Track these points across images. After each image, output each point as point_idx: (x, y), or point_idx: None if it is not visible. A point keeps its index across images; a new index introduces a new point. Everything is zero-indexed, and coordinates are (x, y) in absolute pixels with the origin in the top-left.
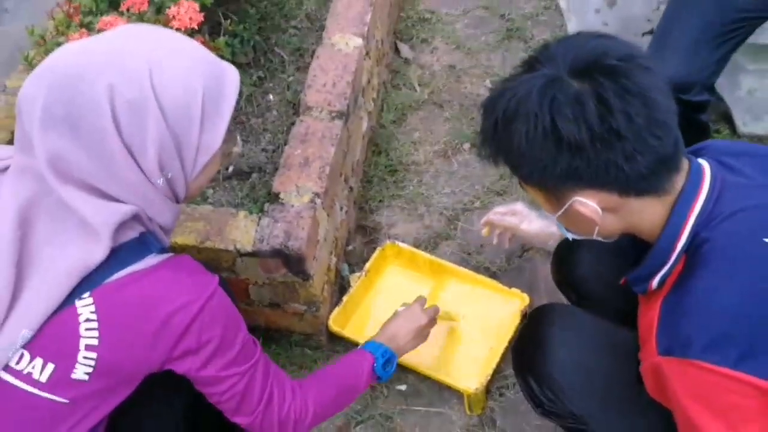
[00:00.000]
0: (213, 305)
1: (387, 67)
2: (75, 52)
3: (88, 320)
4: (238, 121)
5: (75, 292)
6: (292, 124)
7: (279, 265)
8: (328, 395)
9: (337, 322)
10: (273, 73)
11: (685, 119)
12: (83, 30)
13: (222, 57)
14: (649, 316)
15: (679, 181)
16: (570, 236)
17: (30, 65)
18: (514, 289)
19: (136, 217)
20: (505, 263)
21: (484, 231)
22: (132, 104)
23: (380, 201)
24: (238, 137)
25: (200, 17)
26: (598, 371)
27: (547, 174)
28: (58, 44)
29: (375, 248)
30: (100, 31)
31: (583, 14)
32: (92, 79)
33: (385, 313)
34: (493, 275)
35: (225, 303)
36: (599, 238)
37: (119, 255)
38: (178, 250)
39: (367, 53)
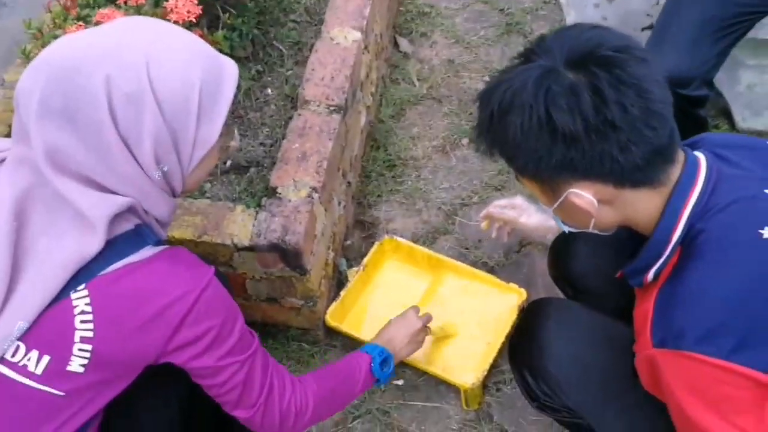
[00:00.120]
0: (209, 296)
1: (386, 61)
2: (72, 44)
3: (83, 312)
4: (236, 115)
5: (70, 284)
6: (290, 118)
7: (276, 259)
8: (327, 392)
9: (334, 317)
10: (271, 67)
11: (684, 114)
12: (80, 23)
13: (220, 51)
14: (644, 309)
15: (675, 172)
16: (566, 229)
17: (27, 59)
18: (511, 284)
19: (132, 210)
20: (503, 258)
21: (483, 224)
22: (129, 97)
23: (378, 196)
24: (236, 131)
25: (198, 10)
26: (594, 365)
27: (543, 165)
28: (55, 37)
29: (373, 243)
30: (97, 23)
31: (582, 8)
32: (89, 71)
33: (383, 307)
34: (491, 270)
35: (221, 293)
36: (596, 231)
37: (115, 247)
38: (175, 244)
39: (366, 47)
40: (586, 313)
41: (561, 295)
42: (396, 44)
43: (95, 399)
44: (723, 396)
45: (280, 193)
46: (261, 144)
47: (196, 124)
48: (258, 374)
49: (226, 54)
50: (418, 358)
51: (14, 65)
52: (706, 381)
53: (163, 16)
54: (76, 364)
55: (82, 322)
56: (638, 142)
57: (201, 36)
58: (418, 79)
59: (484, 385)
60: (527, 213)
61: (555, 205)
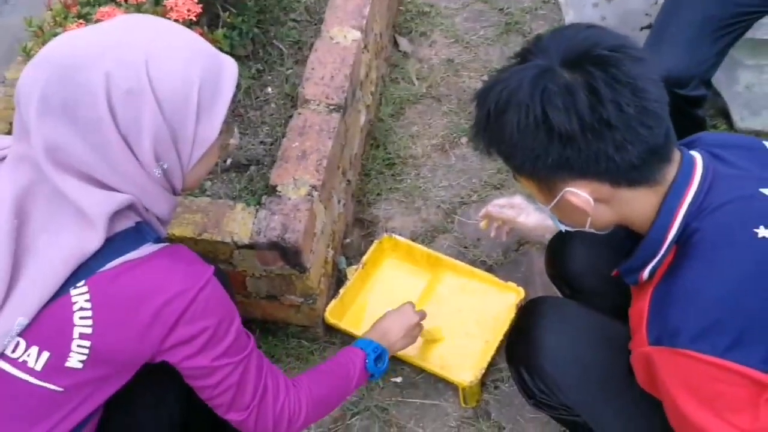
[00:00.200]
0: (206, 295)
1: (386, 60)
2: (73, 42)
3: (82, 309)
4: (236, 113)
5: (70, 281)
6: (290, 116)
7: (276, 257)
8: (321, 393)
9: (333, 315)
10: (271, 65)
11: (682, 114)
12: (81, 21)
13: (220, 49)
14: (640, 307)
15: (671, 171)
16: (563, 228)
17: (28, 57)
18: (510, 283)
19: (132, 207)
20: (501, 257)
21: (482, 223)
22: (128, 94)
23: (378, 194)
24: (236, 129)
25: (198, 9)
26: (591, 363)
27: (539, 164)
28: (56, 35)
29: (372, 241)
30: (97, 21)
31: (581, 8)
32: (89, 68)
33: (382, 305)
34: (489, 269)
35: (219, 293)
36: (592, 230)
37: (115, 244)
38: (175, 241)
39: (366, 46)
40: (582, 311)
41: (559, 294)
42: (396, 43)
43: (94, 395)
44: (718, 393)
45: (280, 192)
46: (261, 142)
47: (195, 122)
48: (252, 376)
49: (226, 53)
50: (417, 355)
51: (15, 63)
52: (701, 379)
53: (164, 15)
54: (74, 360)
55: (81, 318)
56: (634, 141)
57: (201, 34)
58: (418, 78)
59: (482, 382)
60: (526, 212)
61: (552, 204)
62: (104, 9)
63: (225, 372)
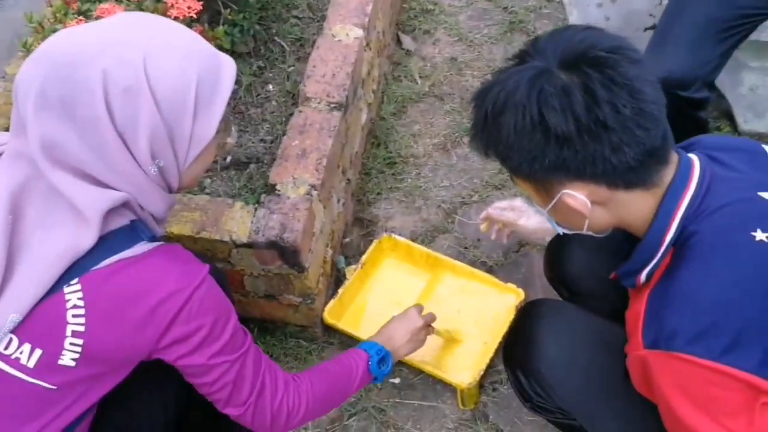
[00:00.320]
0: (201, 294)
1: (388, 58)
2: (71, 38)
3: (75, 306)
4: (236, 111)
5: (64, 278)
6: (291, 114)
7: (274, 256)
8: (321, 390)
9: (332, 315)
10: (273, 63)
11: (684, 116)
12: (80, 18)
13: (221, 46)
14: (636, 310)
15: (668, 174)
16: (561, 231)
17: (28, 52)
18: (509, 284)
19: (127, 205)
20: (501, 258)
21: (483, 226)
22: (125, 92)
23: (378, 193)
24: (233, 128)
25: (199, 6)
26: (587, 367)
27: (536, 166)
28: (56, 31)
29: (372, 241)
30: (97, 18)
31: (585, 8)
32: (87, 65)
33: (381, 306)
34: (489, 270)
35: (214, 292)
36: (590, 233)
37: (109, 241)
38: (173, 239)
39: (368, 44)
40: (580, 314)
41: (558, 296)
42: (399, 41)
43: (88, 393)
44: (713, 397)
45: (279, 190)
46: (261, 140)
47: (192, 121)
48: (249, 373)
49: (227, 50)
50: (416, 356)
51: (16, 58)
52: (697, 382)
53: (164, 12)
54: (67, 358)
55: (74, 316)
56: (630, 143)
57: (201, 32)
58: (421, 77)
59: (481, 384)
60: (526, 215)
61: (549, 207)
62: (104, 6)
63: (221, 370)
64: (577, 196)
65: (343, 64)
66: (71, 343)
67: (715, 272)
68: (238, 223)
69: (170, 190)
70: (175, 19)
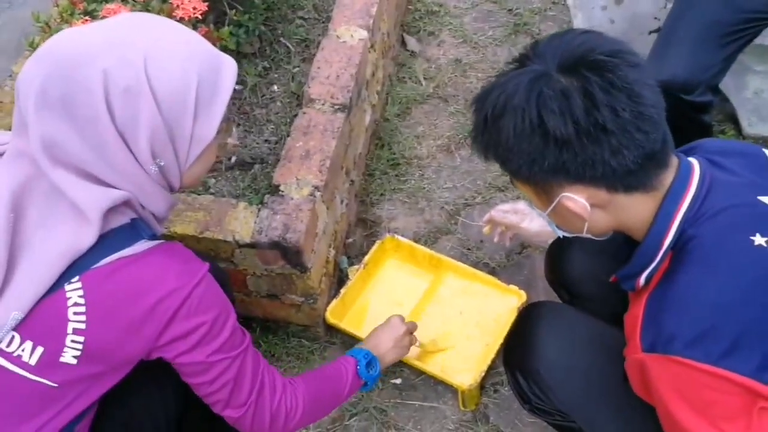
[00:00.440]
0: (201, 292)
1: (393, 59)
2: (74, 38)
3: (76, 304)
4: (241, 111)
5: (65, 276)
6: (296, 115)
7: (277, 257)
8: (316, 394)
9: (334, 315)
10: (278, 63)
11: (688, 120)
12: (86, 18)
13: (226, 47)
14: (635, 313)
15: (668, 177)
16: (561, 234)
17: (35, 51)
18: (511, 286)
19: (128, 204)
20: (504, 259)
21: (486, 229)
22: (126, 91)
23: (381, 194)
24: (234, 129)
25: (204, 7)
26: (587, 369)
27: (536, 168)
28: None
29: (375, 241)
30: (103, 18)
31: (590, 10)
32: (88, 64)
33: (383, 306)
34: (492, 271)
35: (214, 290)
36: (589, 236)
37: (110, 240)
38: (177, 239)
39: (372, 46)
40: (580, 317)
41: (559, 299)
42: (403, 43)
43: (88, 391)
44: (711, 401)
45: (282, 191)
46: (266, 141)
47: (193, 121)
48: (248, 372)
49: (232, 50)
50: (416, 357)
51: (23, 57)
52: (695, 386)
53: (170, 12)
54: (69, 356)
55: (75, 314)
56: (630, 146)
57: (206, 32)
58: (425, 78)
59: (482, 386)
60: (529, 218)
61: (549, 210)
62: (110, 6)
63: (221, 368)
64: (576, 199)
65: (347, 65)
66: (72, 341)
67: (713, 276)
68: (242, 223)
69: (171, 190)
70: (181, 19)
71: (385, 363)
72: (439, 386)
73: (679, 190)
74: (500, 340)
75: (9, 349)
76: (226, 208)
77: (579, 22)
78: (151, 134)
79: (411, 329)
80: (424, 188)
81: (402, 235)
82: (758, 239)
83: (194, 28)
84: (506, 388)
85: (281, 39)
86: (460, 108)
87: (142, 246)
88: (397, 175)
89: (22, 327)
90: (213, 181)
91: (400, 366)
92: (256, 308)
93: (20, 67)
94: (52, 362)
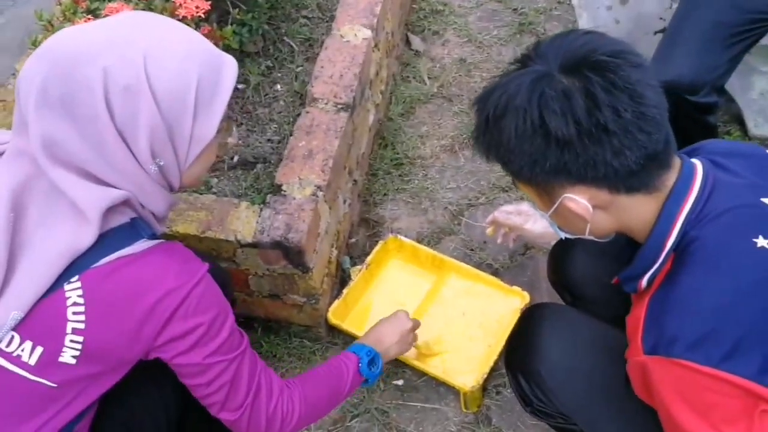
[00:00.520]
0: (199, 292)
1: (397, 59)
2: (75, 36)
3: (75, 304)
4: (244, 110)
5: (64, 276)
6: (299, 115)
7: (279, 257)
8: (313, 396)
9: (336, 315)
10: (282, 62)
11: (693, 121)
12: (89, 16)
13: (229, 46)
14: (636, 315)
15: (671, 179)
16: (563, 235)
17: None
18: (514, 287)
19: (127, 203)
20: (507, 260)
21: (489, 230)
22: (126, 90)
23: (385, 194)
24: (234, 128)
25: (207, 6)
26: (588, 371)
27: (537, 169)
28: None
29: (378, 241)
30: (106, 16)
31: (595, 10)
32: (88, 62)
33: (385, 306)
34: (495, 272)
35: (212, 290)
36: (592, 237)
37: (109, 239)
38: (179, 238)
39: (376, 45)
40: (582, 319)
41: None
42: (408, 42)
43: (88, 390)
44: (713, 404)
45: (284, 191)
46: (269, 140)
47: (192, 120)
48: (245, 375)
49: (235, 49)
50: (418, 359)
51: (26, 55)
52: (696, 389)
53: (173, 11)
54: (68, 356)
55: (75, 313)
56: (632, 147)
57: (209, 31)
58: (429, 78)
59: (484, 387)
60: (533, 219)
61: (551, 211)
62: (113, 5)
63: (218, 370)
64: (578, 200)
65: (350, 65)
66: (71, 341)
67: (715, 278)
68: (244, 223)
69: (171, 189)
70: (183, 18)
71: (387, 357)
72: (441, 388)
73: (681, 192)
74: (503, 341)
75: (8, 349)
76: (228, 208)
77: (584, 22)
78: (150, 133)
79: (416, 326)
80: (428, 188)
81: (405, 236)
82: (761, 241)
83: (197, 27)
84: (508, 390)
85: (285, 38)
86: (464, 108)
87: (141, 245)
88: (400, 175)
89: (21, 327)
90: (215, 180)
91: (402, 367)
92: (257, 308)
93: (23, 66)
94: (52, 362)
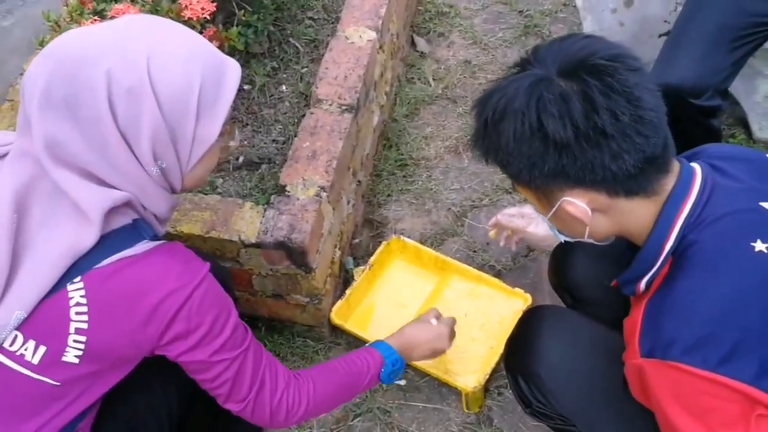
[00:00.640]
0: (202, 292)
1: (402, 60)
2: (79, 38)
3: (78, 304)
4: (250, 111)
5: (67, 276)
6: (304, 115)
7: (282, 257)
8: (326, 390)
9: (339, 315)
10: (287, 63)
11: (696, 124)
12: (95, 18)
13: (234, 47)
14: (634, 318)
15: (669, 182)
16: (563, 238)
17: None
18: (517, 289)
19: (129, 204)
20: (510, 262)
21: (492, 233)
22: (128, 92)
23: (388, 195)
24: (236, 131)
25: (212, 7)
26: (587, 374)
27: (536, 172)
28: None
29: (381, 242)
30: (112, 18)
31: (599, 13)
32: (92, 64)
33: (388, 307)
34: (497, 274)
35: (215, 290)
36: (591, 241)
37: (111, 240)
38: (183, 238)
39: (381, 47)
40: (582, 322)
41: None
42: (413, 44)
43: (90, 389)
44: (710, 408)
45: (288, 191)
46: (273, 141)
47: (195, 123)
48: (249, 370)
49: (240, 50)
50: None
51: (34, 55)
52: (693, 392)
53: (179, 13)
54: (71, 355)
55: (77, 313)
56: (630, 150)
57: (215, 33)
58: (434, 79)
59: (486, 388)
60: (536, 222)
61: (550, 214)
62: (119, 6)
63: (221, 367)
64: (577, 203)
65: (355, 66)
66: (75, 340)
67: (713, 282)
68: (247, 223)
69: (173, 191)
70: (189, 19)
71: (409, 361)
72: (443, 388)
73: (680, 195)
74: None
75: (12, 348)
76: (233, 208)
77: (588, 25)
78: (152, 135)
79: (449, 345)
80: (431, 189)
81: (408, 237)
82: (759, 245)
83: (203, 28)
84: (510, 391)
85: (290, 39)
86: (469, 109)
87: (143, 246)
88: (404, 176)
89: (24, 326)
90: (220, 180)
91: (404, 367)
92: (261, 308)
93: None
94: (55, 361)
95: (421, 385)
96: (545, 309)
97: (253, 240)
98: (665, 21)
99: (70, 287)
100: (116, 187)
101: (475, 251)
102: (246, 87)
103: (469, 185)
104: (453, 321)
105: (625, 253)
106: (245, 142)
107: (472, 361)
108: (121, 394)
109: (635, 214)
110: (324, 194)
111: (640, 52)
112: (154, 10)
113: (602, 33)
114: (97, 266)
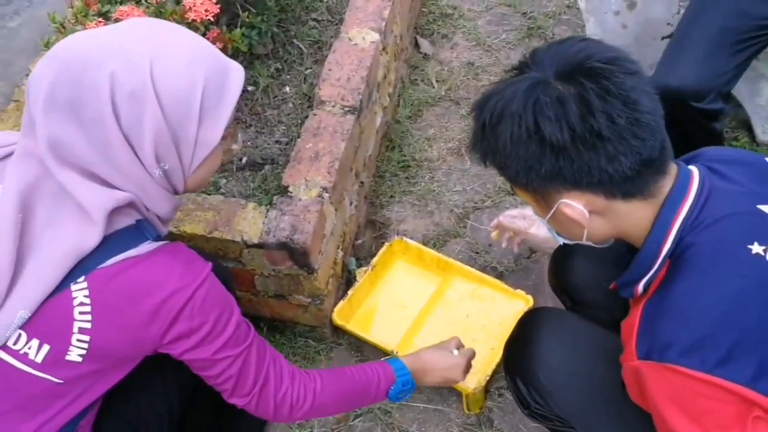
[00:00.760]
0: (204, 291)
1: (406, 62)
2: (84, 40)
3: (81, 304)
4: (253, 112)
5: (71, 276)
6: (307, 117)
7: (284, 257)
8: (333, 392)
9: (341, 316)
10: (291, 65)
11: (698, 127)
12: (100, 19)
13: (238, 48)
14: (631, 320)
15: (667, 185)
16: (561, 241)
17: None
18: (518, 291)
19: (132, 205)
20: (512, 264)
21: (494, 234)
22: (132, 95)
23: (391, 196)
24: (239, 134)
25: (216, 9)
26: (586, 376)
27: (533, 175)
28: (75, 32)
29: (384, 243)
30: (117, 20)
31: (602, 15)
32: (96, 68)
33: (390, 308)
34: (499, 275)
35: (217, 289)
36: (589, 243)
37: (115, 241)
38: (186, 238)
39: (384, 48)
40: (581, 324)
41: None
42: (417, 45)
43: (93, 387)
44: (706, 410)
45: (291, 192)
46: (277, 142)
47: (197, 125)
48: (252, 366)
49: (244, 52)
50: None
51: (40, 56)
52: (690, 394)
53: (182, 14)
54: (74, 354)
55: (81, 313)
56: (626, 153)
57: (218, 35)
58: (437, 81)
59: (486, 389)
60: (537, 224)
61: (548, 216)
62: (123, 8)
63: (225, 364)
64: (574, 205)
65: (358, 67)
66: (78, 340)
67: (710, 285)
68: (250, 223)
69: (176, 193)
70: (193, 21)
71: (419, 384)
72: (443, 389)
73: (677, 198)
74: None
75: (16, 347)
76: (235, 209)
77: (591, 27)
78: (155, 138)
79: (464, 378)
80: (434, 191)
81: (411, 238)
82: (756, 248)
83: (206, 30)
84: (511, 392)
85: (294, 40)
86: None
87: (146, 247)
88: (407, 178)
89: (28, 325)
90: (224, 181)
91: None
92: (263, 308)
93: None
94: (58, 360)
95: (421, 386)
96: (544, 311)
97: (255, 240)
98: (668, 23)
99: (73, 287)
100: (119, 188)
101: (477, 252)
102: (250, 88)
103: (472, 187)
104: (472, 354)
105: (624, 255)
106: (248, 143)
107: (472, 362)
108: (123, 391)
109: (632, 217)
110: (326, 195)
111: (642, 55)
112: (159, 12)
113: (605, 35)
114: (100, 266)
